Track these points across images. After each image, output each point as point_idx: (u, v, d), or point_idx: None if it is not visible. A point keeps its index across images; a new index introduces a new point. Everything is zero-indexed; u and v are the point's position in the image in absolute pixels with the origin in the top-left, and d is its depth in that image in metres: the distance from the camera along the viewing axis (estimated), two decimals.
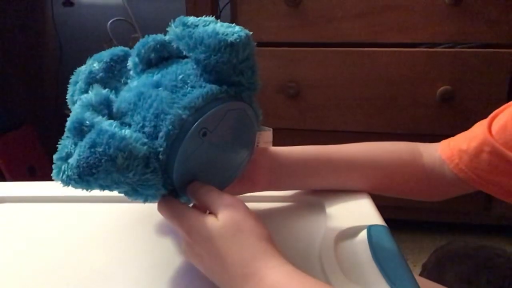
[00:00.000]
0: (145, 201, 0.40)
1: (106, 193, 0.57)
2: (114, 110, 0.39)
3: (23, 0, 1.66)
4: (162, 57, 0.41)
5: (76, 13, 1.76)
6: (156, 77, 0.39)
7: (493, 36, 1.12)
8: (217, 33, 0.37)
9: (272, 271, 0.34)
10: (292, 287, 0.33)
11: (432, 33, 1.14)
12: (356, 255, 0.43)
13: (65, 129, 0.37)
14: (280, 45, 1.21)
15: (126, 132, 0.35)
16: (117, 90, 0.42)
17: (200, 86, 0.38)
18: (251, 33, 0.39)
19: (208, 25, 0.39)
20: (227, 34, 0.38)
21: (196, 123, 0.36)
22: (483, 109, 1.21)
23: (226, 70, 0.38)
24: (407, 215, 1.33)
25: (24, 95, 1.73)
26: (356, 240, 0.45)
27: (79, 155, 0.34)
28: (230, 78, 0.39)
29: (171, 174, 0.37)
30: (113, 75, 0.43)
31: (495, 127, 0.48)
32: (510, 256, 0.65)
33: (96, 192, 0.57)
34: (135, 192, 0.38)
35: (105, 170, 0.34)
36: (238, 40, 0.38)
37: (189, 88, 0.38)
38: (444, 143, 0.53)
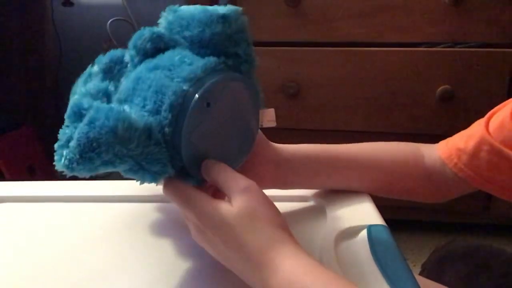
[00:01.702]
0: (153, 180, 0.39)
1: (106, 193, 0.57)
2: (113, 100, 0.39)
3: (23, 0, 1.66)
4: (158, 48, 0.41)
5: (75, 13, 1.76)
6: (152, 63, 0.39)
7: (493, 35, 1.12)
8: (207, 10, 0.39)
9: (288, 260, 0.33)
10: (307, 276, 0.33)
11: (432, 32, 1.15)
12: (356, 255, 0.43)
13: (65, 118, 0.37)
14: (280, 45, 1.21)
15: (125, 107, 0.36)
16: (116, 89, 0.42)
17: (198, 61, 0.38)
18: (240, 8, 0.40)
19: (196, 8, 0.40)
20: (217, 10, 0.39)
21: (198, 93, 0.36)
22: (482, 108, 1.21)
23: (222, 41, 0.39)
24: (407, 215, 1.33)
25: (24, 95, 1.73)
26: (356, 240, 0.45)
27: (79, 134, 0.33)
28: (227, 49, 0.40)
29: (178, 149, 0.37)
30: (112, 76, 0.43)
31: (493, 125, 0.49)
32: (510, 256, 0.65)
33: (96, 192, 0.58)
34: (141, 168, 0.37)
35: (106, 143, 0.33)
36: (229, 12, 0.39)
37: (187, 66, 0.38)
38: (442, 143, 0.53)
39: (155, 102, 0.36)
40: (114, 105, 0.36)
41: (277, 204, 0.54)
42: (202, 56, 0.39)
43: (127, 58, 0.42)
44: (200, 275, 0.42)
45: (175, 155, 0.37)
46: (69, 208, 0.55)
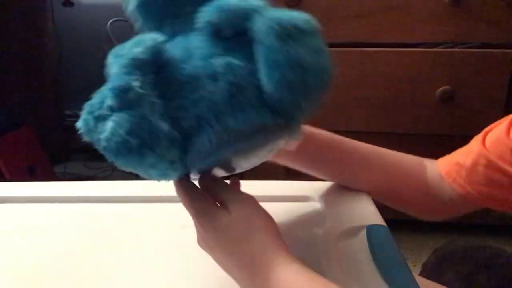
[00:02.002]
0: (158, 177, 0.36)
1: (106, 193, 0.57)
2: (164, 71, 0.35)
3: (23, 0, 1.66)
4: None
5: (76, 13, 1.76)
6: (219, 62, 0.34)
7: (493, 36, 1.12)
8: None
9: (280, 267, 0.34)
10: (298, 284, 0.33)
11: (431, 33, 1.14)
12: (355, 255, 0.43)
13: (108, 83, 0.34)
14: None
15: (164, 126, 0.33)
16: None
17: (258, 110, 0.34)
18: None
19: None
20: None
21: (231, 146, 0.35)
22: (482, 109, 1.22)
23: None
24: (407, 215, 1.32)
25: (24, 95, 1.73)
26: (356, 239, 0.45)
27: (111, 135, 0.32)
28: (292, 114, 0.36)
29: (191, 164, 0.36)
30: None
31: (489, 140, 0.49)
32: (510, 256, 0.65)
33: (96, 193, 0.58)
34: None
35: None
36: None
37: (246, 106, 0.34)
38: (442, 159, 0.54)
39: (191, 127, 0.34)
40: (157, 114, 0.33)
41: (277, 204, 0.54)
42: (265, 101, 0.34)
43: (200, 18, 0.36)
44: (201, 275, 0.42)
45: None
46: (69, 209, 0.55)
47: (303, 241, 0.46)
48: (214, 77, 0.34)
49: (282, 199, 0.54)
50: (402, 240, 1.33)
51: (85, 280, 0.42)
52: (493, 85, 1.14)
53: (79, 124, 0.34)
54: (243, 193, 0.38)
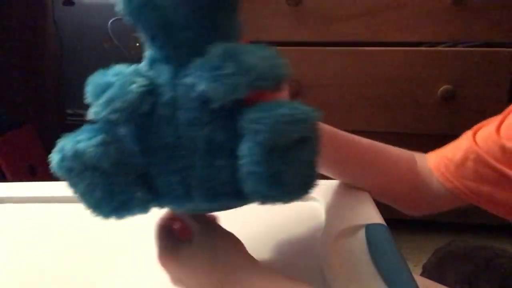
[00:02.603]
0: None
1: None
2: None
3: (24, 0, 1.66)
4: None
5: (76, 12, 1.76)
6: (203, 136, 0.33)
7: (494, 35, 1.12)
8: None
9: (256, 276, 0.35)
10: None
11: (433, 32, 1.14)
12: (354, 254, 0.43)
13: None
14: (281, 45, 1.21)
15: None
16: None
17: (230, 197, 0.34)
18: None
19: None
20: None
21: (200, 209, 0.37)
22: (484, 108, 1.21)
23: None
24: (407, 215, 1.32)
25: (25, 94, 1.73)
26: (355, 239, 0.45)
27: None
28: None
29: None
30: None
31: (479, 137, 0.50)
32: (511, 256, 0.65)
33: None
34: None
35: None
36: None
37: (219, 194, 0.34)
38: (433, 153, 0.54)
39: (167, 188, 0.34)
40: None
41: (274, 204, 0.54)
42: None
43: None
44: None
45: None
46: (70, 209, 0.55)
47: (302, 240, 0.46)
48: (194, 150, 0.33)
49: None
50: (402, 240, 1.33)
51: (85, 280, 0.42)
52: (495, 84, 1.14)
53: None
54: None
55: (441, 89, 1.16)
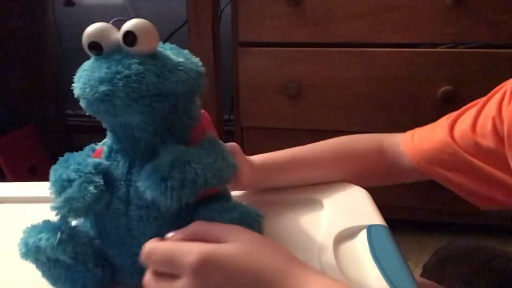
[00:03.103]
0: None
1: None
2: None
3: (24, 0, 1.66)
4: None
5: (77, 13, 1.76)
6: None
7: (494, 36, 1.12)
8: None
9: (313, 278, 0.32)
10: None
11: (433, 33, 1.14)
12: (355, 256, 0.43)
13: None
14: (281, 45, 1.21)
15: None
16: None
17: None
18: None
19: None
20: None
21: None
22: None
23: None
24: (407, 215, 1.32)
25: (25, 94, 1.73)
26: (356, 240, 0.45)
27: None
28: None
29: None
30: None
31: (457, 131, 0.53)
32: (511, 257, 0.65)
33: None
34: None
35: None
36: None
37: None
38: (407, 138, 0.58)
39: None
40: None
41: (275, 204, 0.54)
42: None
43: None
44: None
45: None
46: None
47: (303, 241, 0.46)
48: (144, 241, 0.35)
49: (283, 200, 0.54)
50: (403, 240, 1.33)
51: None
52: (495, 85, 1.13)
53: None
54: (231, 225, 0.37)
55: (441, 90, 1.16)
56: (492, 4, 1.09)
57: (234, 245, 0.33)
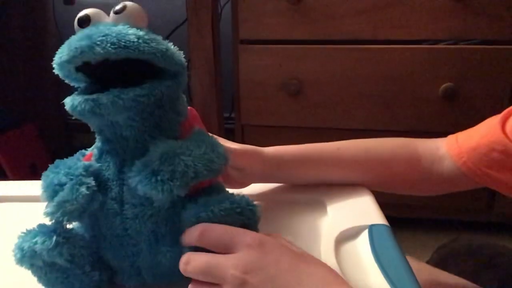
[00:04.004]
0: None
1: None
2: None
3: None
4: None
5: (77, 11, 1.74)
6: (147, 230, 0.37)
7: (496, 32, 1.11)
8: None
9: None
10: None
11: (434, 29, 1.14)
12: (357, 256, 0.43)
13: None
14: (281, 43, 1.21)
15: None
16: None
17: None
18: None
19: None
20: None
21: None
22: (486, 106, 1.21)
23: None
24: (409, 212, 1.32)
25: (26, 93, 1.73)
26: (357, 240, 0.45)
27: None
28: None
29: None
30: None
31: (509, 126, 0.48)
32: None
33: None
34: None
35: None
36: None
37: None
38: (452, 138, 0.53)
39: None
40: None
41: (277, 204, 0.54)
42: None
43: None
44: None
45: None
46: None
47: (303, 242, 0.46)
48: (140, 240, 0.36)
49: (284, 199, 0.54)
50: (405, 238, 1.33)
51: None
52: (496, 81, 1.14)
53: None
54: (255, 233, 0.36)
55: (442, 87, 1.15)
56: (493, 0, 1.09)
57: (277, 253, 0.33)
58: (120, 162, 0.37)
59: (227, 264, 0.33)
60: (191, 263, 0.34)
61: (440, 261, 0.68)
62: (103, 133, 0.38)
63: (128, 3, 0.36)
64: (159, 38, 0.36)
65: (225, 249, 0.34)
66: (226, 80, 1.33)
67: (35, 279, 0.42)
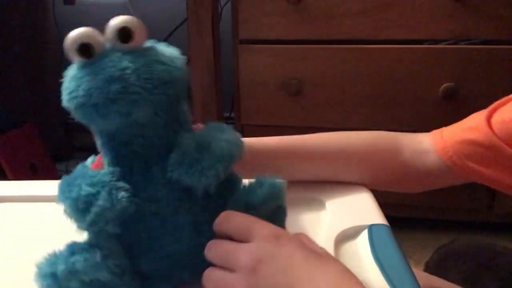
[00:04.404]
0: None
1: None
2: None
3: None
4: None
5: (77, 11, 1.76)
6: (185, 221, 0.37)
7: (496, 32, 1.11)
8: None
9: None
10: None
11: (435, 29, 1.14)
12: (356, 256, 0.43)
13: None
14: (281, 43, 1.21)
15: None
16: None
17: None
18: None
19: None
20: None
21: None
22: (486, 106, 1.20)
23: None
24: (409, 212, 1.32)
25: (26, 93, 1.73)
26: (357, 240, 0.45)
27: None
28: None
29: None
30: None
31: (496, 121, 0.48)
32: None
33: None
34: None
35: None
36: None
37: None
38: (436, 133, 0.52)
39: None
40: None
41: None
42: None
43: None
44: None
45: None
46: None
47: None
48: (180, 235, 0.36)
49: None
50: (405, 238, 1.33)
51: None
52: (497, 81, 1.14)
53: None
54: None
55: (443, 87, 1.15)
56: (493, 0, 1.09)
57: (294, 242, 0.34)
58: (146, 161, 0.36)
59: (242, 251, 0.33)
60: (212, 249, 0.34)
61: (440, 261, 0.68)
62: (118, 137, 0.36)
63: (130, 24, 0.33)
64: (160, 48, 0.36)
65: (242, 238, 0.34)
66: (226, 80, 1.33)
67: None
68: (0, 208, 0.56)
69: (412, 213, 1.33)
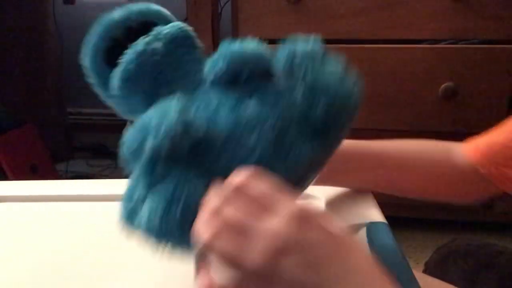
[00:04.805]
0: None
1: (109, 192, 0.57)
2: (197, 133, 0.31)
3: None
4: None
5: (77, 11, 1.76)
6: (251, 114, 0.33)
7: (496, 32, 1.11)
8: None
9: None
10: None
11: (434, 29, 1.14)
12: None
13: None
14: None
15: None
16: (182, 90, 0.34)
17: (303, 145, 0.34)
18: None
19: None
20: None
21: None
22: (486, 105, 1.21)
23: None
24: (409, 212, 1.32)
25: (26, 93, 1.73)
26: (356, 237, 0.45)
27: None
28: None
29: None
30: (171, 61, 0.35)
31: None
32: None
33: (99, 191, 0.58)
34: None
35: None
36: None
37: (292, 152, 0.33)
38: (472, 144, 0.51)
39: None
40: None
41: None
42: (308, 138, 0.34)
43: (207, 70, 0.35)
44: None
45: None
46: (72, 207, 0.55)
47: None
48: (251, 132, 0.32)
49: None
50: (405, 238, 1.33)
51: (86, 278, 0.42)
52: (496, 81, 1.14)
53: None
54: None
55: (443, 86, 1.15)
56: (493, 0, 1.09)
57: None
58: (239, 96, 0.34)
59: (263, 228, 0.26)
60: (224, 211, 0.27)
61: (440, 261, 0.68)
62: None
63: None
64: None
65: (261, 210, 0.27)
66: None
67: (35, 279, 0.42)
68: (0, 208, 0.56)
69: (412, 213, 1.33)
